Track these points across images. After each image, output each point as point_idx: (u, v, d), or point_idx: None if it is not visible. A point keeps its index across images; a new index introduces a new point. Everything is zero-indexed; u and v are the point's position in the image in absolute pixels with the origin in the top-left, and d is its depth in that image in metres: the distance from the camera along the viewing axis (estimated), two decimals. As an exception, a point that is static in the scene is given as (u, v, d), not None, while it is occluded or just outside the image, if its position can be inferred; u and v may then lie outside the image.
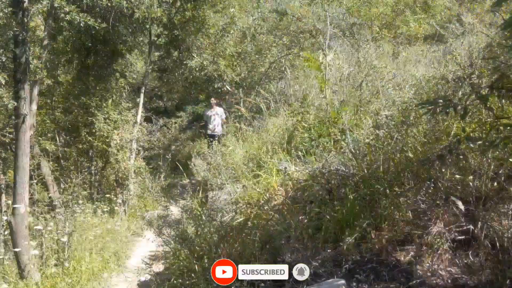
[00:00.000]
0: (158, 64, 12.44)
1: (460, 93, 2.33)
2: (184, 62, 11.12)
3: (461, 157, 2.40)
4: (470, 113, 2.40)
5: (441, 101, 2.38)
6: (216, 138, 11.53)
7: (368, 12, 15.40)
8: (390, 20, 15.38)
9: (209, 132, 12.45)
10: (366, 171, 3.87)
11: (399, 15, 15.64)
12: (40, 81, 9.37)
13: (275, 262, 3.18)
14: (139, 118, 11.17)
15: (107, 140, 10.29)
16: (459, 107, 2.31)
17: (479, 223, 3.39)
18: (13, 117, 6.28)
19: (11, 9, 5.60)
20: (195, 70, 11.17)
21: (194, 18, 11.18)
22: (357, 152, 4.19)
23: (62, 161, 10.75)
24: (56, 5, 6.22)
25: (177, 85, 13.59)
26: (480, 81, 2.44)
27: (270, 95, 9.51)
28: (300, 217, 3.82)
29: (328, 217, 3.57)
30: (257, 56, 11.63)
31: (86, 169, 10.36)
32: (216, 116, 12.28)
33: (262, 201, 4.23)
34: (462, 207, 2.72)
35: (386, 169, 3.88)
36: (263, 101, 9.15)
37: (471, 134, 2.90)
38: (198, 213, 4.20)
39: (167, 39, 11.66)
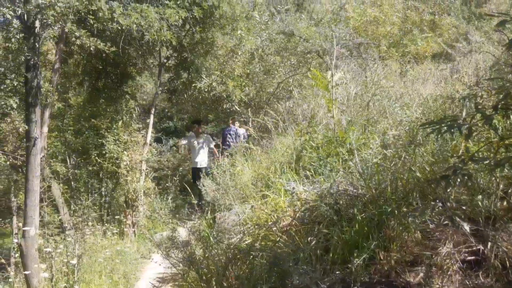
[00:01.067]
0: (167, 85, 12.56)
1: (464, 113, 2.33)
2: (193, 84, 11.21)
3: (465, 178, 2.39)
4: (476, 133, 2.40)
5: (445, 121, 2.38)
6: (203, 172, 10.29)
7: (375, 31, 15.52)
8: (397, 39, 15.47)
9: (194, 165, 11.54)
10: (374, 191, 3.86)
11: (406, 34, 15.73)
12: (51, 104, 9.52)
13: (283, 285, 3.17)
14: (148, 139, 11.25)
15: (117, 162, 10.36)
16: (464, 127, 2.31)
17: (489, 243, 3.36)
18: (25, 140, 6.35)
19: (23, 34, 5.72)
20: (204, 91, 11.26)
21: (203, 40, 11.32)
22: (365, 172, 4.18)
23: (72, 182, 10.83)
24: (66, 30, 6.32)
25: (186, 105, 13.69)
26: (485, 100, 2.44)
27: (279, 114, 9.55)
28: (308, 238, 3.81)
29: (336, 238, 3.56)
30: (265, 76, 11.71)
31: (96, 191, 10.41)
32: (203, 145, 11.41)
33: (270, 222, 4.22)
34: (467, 228, 2.70)
35: (394, 189, 3.87)
36: (272, 121, 9.19)
37: (478, 154, 2.89)
38: (206, 234, 4.20)
39: (177, 61, 11.80)
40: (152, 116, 11.47)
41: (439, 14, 16.39)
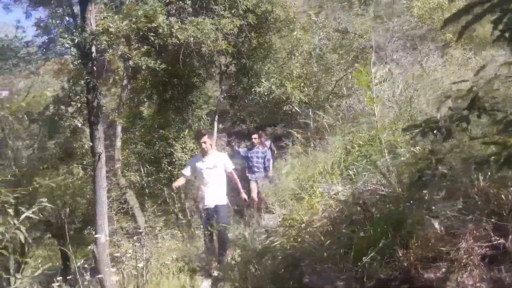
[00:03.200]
0: (229, 92, 13.01)
1: (439, 114, 2.40)
2: (253, 88, 11.54)
3: (442, 177, 2.46)
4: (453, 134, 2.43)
5: (428, 123, 2.47)
6: (218, 216, 6.75)
7: (441, 17, 15.01)
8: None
9: (202, 203, 7.27)
10: (399, 189, 3.93)
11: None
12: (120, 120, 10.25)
13: (299, 282, 3.35)
14: (213, 144, 11.69)
15: (185, 168, 10.86)
16: (443, 129, 2.39)
17: (510, 236, 3.33)
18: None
19: (80, 60, 6.32)
20: (264, 95, 11.55)
21: (260, 45, 11.63)
22: (394, 170, 4.25)
23: (146, 190, 11.56)
24: (120, 52, 6.85)
25: (251, 109, 14.09)
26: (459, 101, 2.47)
27: (339, 112, 9.62)
28: (336, 238, 3.95)
29: (358, 236, 3.67)
30: (323, 74, 11.79)
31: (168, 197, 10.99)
32: (213, 171, 7.06)
33: (304, 223, 4.40)
34: (437, 226, 2.74)
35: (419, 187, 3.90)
36: (332, 119, 9.27)
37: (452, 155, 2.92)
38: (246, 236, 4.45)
39: (236, 68, 12.20)
40: (216, 123, 11.95)
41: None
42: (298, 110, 11.92)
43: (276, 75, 11.67)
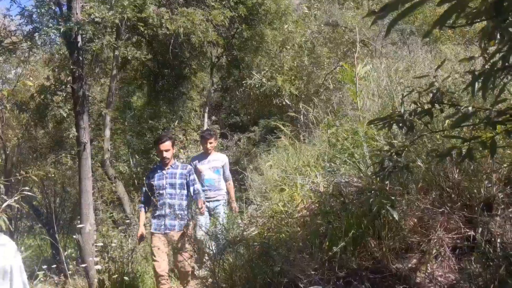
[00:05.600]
0: (220, 84, 13.01)
1: (402, 108, 2.43)
2: (244, 81, 11.55)
3: (403, 169, 2.50)
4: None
5: (393, 116, 2.51)
6: None
7: (433, 12, 15.04)
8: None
9: None
10: (373, 182, 3.97)
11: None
12: (111, 109, 10.23)
13: (271, 270, 3.40)
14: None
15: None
16: (407, 123, 2.42)
17: (479, 228, 3.39)
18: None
19: (66, 49, 6.32)
20: (255, 88, 11.55)
21: (252, 37, 11.61)
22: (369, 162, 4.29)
23: (136, 181, 11.56)
24: (105, 42, 6.84)
25: (242, 102, 14.08)
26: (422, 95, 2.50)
27: (329, 106, 9.62)
28: (311, 228, 4.00)
29: (332, 226, 3.72)
30: (314, 68, 11.79)
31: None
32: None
33: (284, 214, 4.45)
34: (396, 216, 2.79)
35: (395, 180, 3.95)
36: (321, 113, 9.27)
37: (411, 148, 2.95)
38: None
39: (228, 60, 12.20)
40: (206, 115, 11.96)
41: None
42: (289, 103, 11.92)
43: (267, 67, 11.66)
